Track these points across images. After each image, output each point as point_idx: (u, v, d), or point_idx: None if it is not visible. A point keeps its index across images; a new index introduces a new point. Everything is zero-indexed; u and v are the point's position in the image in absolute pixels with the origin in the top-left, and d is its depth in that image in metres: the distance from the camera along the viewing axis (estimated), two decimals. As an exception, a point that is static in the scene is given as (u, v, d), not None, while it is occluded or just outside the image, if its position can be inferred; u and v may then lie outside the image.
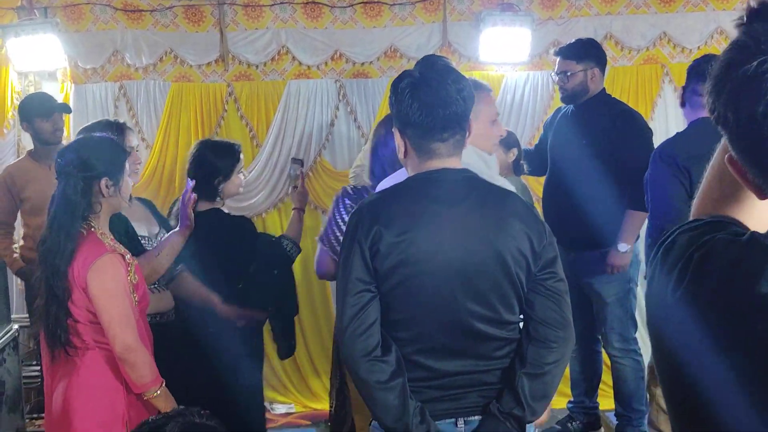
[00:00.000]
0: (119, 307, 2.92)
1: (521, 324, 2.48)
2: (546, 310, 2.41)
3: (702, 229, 1.31)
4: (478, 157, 3.06)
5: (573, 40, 4.84)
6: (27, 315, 5.39)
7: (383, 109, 5.77)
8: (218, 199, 3.91)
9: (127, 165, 3.12)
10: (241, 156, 3.99)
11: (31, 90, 5.60)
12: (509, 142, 4.58)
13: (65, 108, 4.72)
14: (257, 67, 5.79)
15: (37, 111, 4.61)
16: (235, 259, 3.77)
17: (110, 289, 2.92)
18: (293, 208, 4.23)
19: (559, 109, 4.97)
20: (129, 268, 3.02)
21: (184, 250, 3.51)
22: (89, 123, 3.74)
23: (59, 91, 5.65)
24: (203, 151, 3.93)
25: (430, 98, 2.35)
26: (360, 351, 2.36)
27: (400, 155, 2.48)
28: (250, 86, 5.80)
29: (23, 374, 5.24)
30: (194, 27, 5.72)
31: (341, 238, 3.31)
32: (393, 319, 2.39)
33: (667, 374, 1.35)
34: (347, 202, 3.49)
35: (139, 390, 2.97)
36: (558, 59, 4.72)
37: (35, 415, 5.56)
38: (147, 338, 3.11)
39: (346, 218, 3.33)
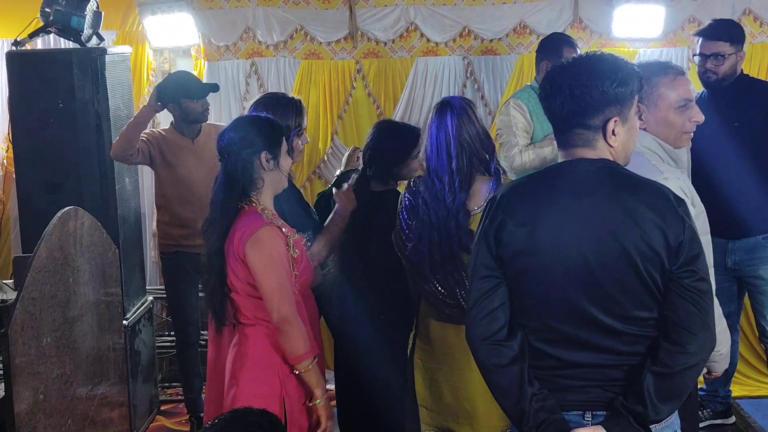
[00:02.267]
0: (276, 278, 2.98)
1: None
2: (682, 311, 2.27)
3: None
4: (658, 146, 2.98)
5: (713, 20, 4.64)
6: (161, 287, 5.55)
7: (511, 86, 5.71)
8: (392, 182, 3.91)
9: (284, 142, 3.16)
10: (420, 140, 3.95)
11: (167, 67, 5.74)
12: None
13: (215, 87, 4.77)
14: (386, 44, 5.79)
15: (188, 92, 4.65)
16: None
17: (267, 261, 2.98)
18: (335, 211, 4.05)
19: None
20: (288, 242, 3.07)
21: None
22: (265, 94, 3.74)
23: (193, 68, 5.78)
24: (383, 130, 3.94)
25: (546, 91, 2.37)
26: (481, 334, 2.37)
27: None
28: (378, 63, 5.82)
29: (156, 345, 5.41)
30: (324, 4, 5.75)
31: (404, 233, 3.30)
32: (517, 306, 2.38)
33: None
34: (406, 196, 3.43)
35: (292, 362, 3.03)
36: (701, 40, 4.50)
37: (167, 384, 5.72)
38: (308, 312, 3.16)
39: (405, 215, 3.32)
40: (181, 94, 4.62)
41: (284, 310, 2.97)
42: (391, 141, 3.86)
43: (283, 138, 3.16)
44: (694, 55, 4.64)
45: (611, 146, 2.36)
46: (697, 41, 4.53)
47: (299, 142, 3.52)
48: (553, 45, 4.69)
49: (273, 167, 3.08)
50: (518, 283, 2.36)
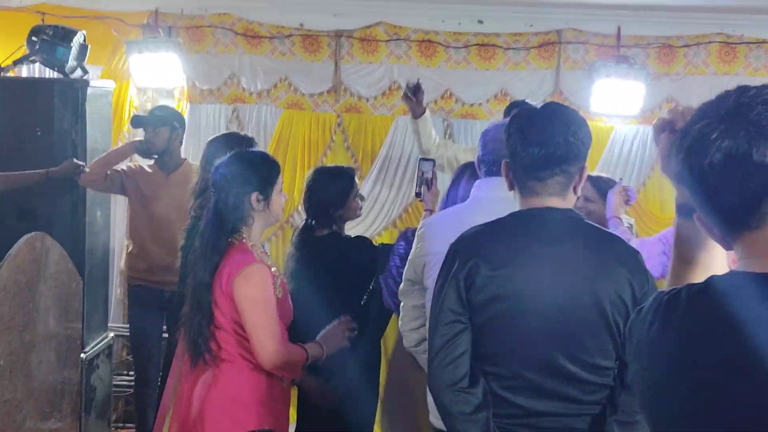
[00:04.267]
0: (264, 316, 2.97)
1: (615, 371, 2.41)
2: None
3: None
4: None
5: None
6: (124, 325, 5.49)
7: (489, 152, 5.77)
8: (334, 226, 3.93)
9: (279, 180, 3.15)
10: (356, 180, 4.02)
11: (149, 106, 5.76)
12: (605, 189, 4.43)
13: (139, 123, 4.89)
14: (368, 100, 5.86)
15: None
16: (355, 276, 3.79)
17: (256, 297, 2.96)
18: (425, 209, 4.16)
19: None
20: (275, 281, 3.06)
21: (300, 273, 3.57)
22: (218, 135, 3.80)
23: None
24: (317, 177, 3.98)
25: (531, 136, 2.35)
26: (446, 381, 2.35)
27: (508, 188, 2.47)
28: (359, 118, 5.87)
29: (113, 383, 5.33)
30: (310, 56, 5.82)
31: (395, 280, 3.33)
32: (483, 353, 2.37)
33: None
34: (401, 244, 3.54)
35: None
36: None
37: (120, 425, 5.62)
38: None
39: (398, 262, 3.37)
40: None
41: (271, 347, 2.94)
42: (328, 186, 3.92)
43: (278, 176, 3.15)
44: None
45: (576, 196, 2.40)
46: None
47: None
48: None
49: (263, 208, 3.07)
50: (487, 329, 2.35)
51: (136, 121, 5.00)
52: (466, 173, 3.47)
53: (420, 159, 4.43)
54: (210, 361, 3.05)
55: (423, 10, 5.77)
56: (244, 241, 3.05)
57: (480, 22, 5.84)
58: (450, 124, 5.88)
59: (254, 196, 3.03)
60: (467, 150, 4.83)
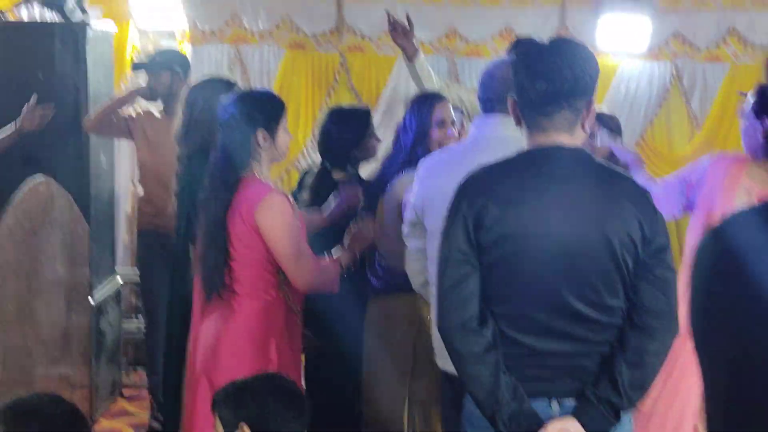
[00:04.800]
0: (294, 242, 3.03)
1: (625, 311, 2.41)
2: (652, 298, 2.33)
3: None
4: None
5: None
6: (131, 271, 5.51)
7: (494, 90, 5.71)
8: (350, 168, 3.91)
9: (284, 118, 3.17)
10: (371, 120, 3.98)
11: (150, 48, 5.69)
12: (613, 127, 4.35)
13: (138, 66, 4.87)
14: (371, 39, 5.78)
15: None
16: None
17: (282, 225, 3.03)
18: None
19: None
20: (293, 209, 3.12)
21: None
22: (199, 81, 3.75)
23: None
24: (334, 118, 3.96)
25: (538, 70, 2.32)
26: (456, 322, 2.34)
27: (516, 124, 2.44)
28: (362, 58, 5.81)
29: (123, 327, 5.37)
30: (311, -3, 5.75)
31: None
32: (492, 293, 2.35)
33: None
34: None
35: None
36: None
37: (132, 367, 5.67)
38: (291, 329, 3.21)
39: None
40: None
41: (306, 269, 3.03)
42: (344, 126, 3.89)
43: (283, 114, 3.16)
44: None
45: (585, 132, 2.38)
46: None
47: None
48: None
49: (269, 146, 3.11)
50: (495, 269, 2.33)
51: (137, 67, 4.96)
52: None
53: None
54: (226, 296, 3.10)
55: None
56: (255, 174, 3.10)
57: (485, -44, 5.75)
58: (455, 63, 5.81)
59: (260, 133, 3.08)
60: (471, 90, 4.75)
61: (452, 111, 3.64)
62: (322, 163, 3.96)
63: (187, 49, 5.73)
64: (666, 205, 3.37)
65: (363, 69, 5.81)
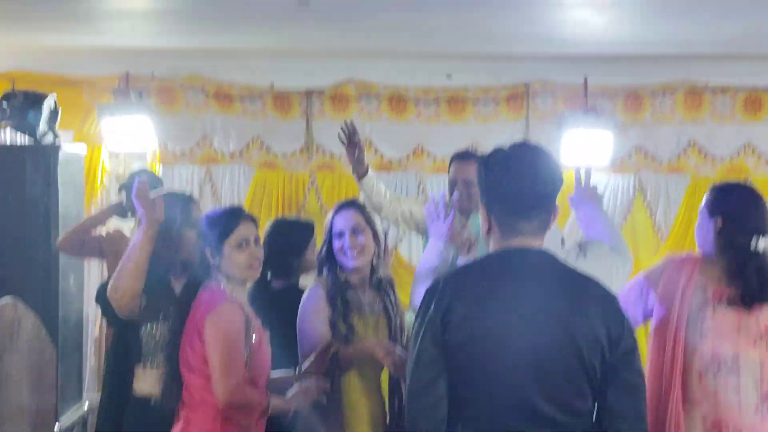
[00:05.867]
0: (226, 353, 2.99)
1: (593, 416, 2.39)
2: (619, 402, 2.32)
3: None
4: None
5: None
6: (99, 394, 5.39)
7: (463, 205, 5.79)
8: (292, 278, 3.91)
9: (235, 236, 3.15)
10: (314, 231, 4.00)
11: (121, 170, 5.75)
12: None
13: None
14: (340, 158, 5.86)
15: None
16: None
17: (221, 335, 3.00)
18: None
19: None
20: (248, 324, 3.08)
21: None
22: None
23: (148, 172, 5.79)
24: (276, 227, 3.98)
25: (521, 173, 2.33)
26: (425, 425, 2.32)
27: (483, 232, 2.44)
28: (332, 176, 5.89)
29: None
30: (282, 115, 5.87)
31: None
32: (460, 396, 2.34)
33: None
34: None
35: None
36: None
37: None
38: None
39: None
40: None
41: (227, 384, 2.96)
42: (286, 237, 3.90)
43: (232, 232, 3.13)
44: None
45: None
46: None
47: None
48: None
49: (218, 262, 3.12)
50: (463, 371, 2.32)
51: (123, 187, 4.95)
52: None
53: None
54: (180, 408, 3.08)
55: (392, 66, 5.85)
56: (220, 286, 3.11)
57: (449, 76, 5.92)
58: (423, 180, 5.90)
59: (207, 251, 3.13)
60: (420, 203, 4.78)
61: (358, 219, 3.48)
62: (263, 272, 3.97)
63: (158, 170, 5.79)
64: (628, 313, 3.39)
65: (333, 186, 5.89)
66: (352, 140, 4.46)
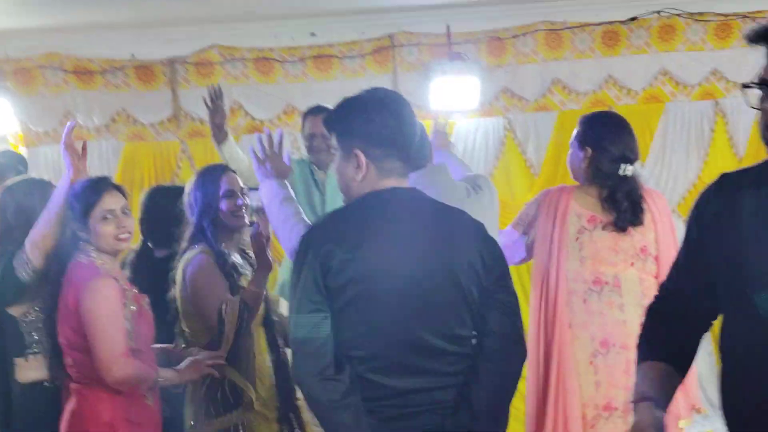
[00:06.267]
0: (104, 329, 2.97)
1: (474, 340, 2.48)
2: (498, 324, 2.43)
3: None
4: None
5: None
6: None
7: (337, 162, 5.82)
8: (174, 246, 3.87)
9: (98, 209, 3.12)
10: None
11: (-17, 154, 5.59)
12: None
13: None
14: (210, 123, 5.82)
15: None
16: None
17: (97, 311, 2.99)
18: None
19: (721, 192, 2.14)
20: (126, 294, 3.08)
21: None
22: (12, 182, 3.69)
23: (12, 155, 5.65)
24: (154, 196, 3.92)
25: (401, 115, 2.43)
26: (312, 370, 2.36)
27: (359, 176, 2.45)
28: (204, 143, 5.83)
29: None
30: (146, 86, 5.79)
31: None
32: (345, 337, 2.38)
33: None
34: None
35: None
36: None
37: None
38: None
39: None
40: None
41: (112, 361, 2.95)
42: (164, 205, 3.83)
43: (94, 205, 3.10)
44: None
45: None
46: None
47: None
48: None
49: (87, 237, 3.10)
50: (348, 313, 2.37)
51: None
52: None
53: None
54: (69, 386, 3.08)
55: (255, 28, 5.81)
56: (91, 259, 3.08)
57: (313, 34, 5.91)
58: (296, 138, 5.89)
59: (74, 225, 3.12)
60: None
61: (240, 182, 3.54)
62: (144, 242, 3.94)
63: (22, 151, 5.66)
64: (510, 254, 3.52)
65: (205, 152, 5.82)
66: (215, 104, 4.42)
